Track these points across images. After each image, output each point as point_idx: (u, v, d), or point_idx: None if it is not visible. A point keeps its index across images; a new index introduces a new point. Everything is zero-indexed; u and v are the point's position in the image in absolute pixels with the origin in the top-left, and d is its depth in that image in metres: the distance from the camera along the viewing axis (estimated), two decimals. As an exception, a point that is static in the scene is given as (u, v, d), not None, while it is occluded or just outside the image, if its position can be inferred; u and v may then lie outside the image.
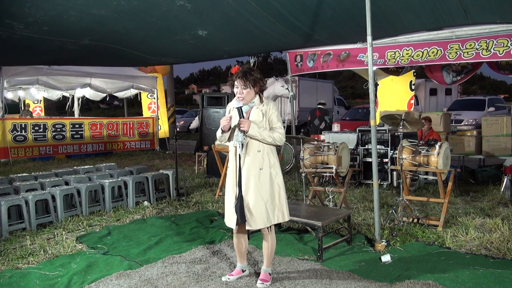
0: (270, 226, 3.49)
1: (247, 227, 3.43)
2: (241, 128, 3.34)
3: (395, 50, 6.43)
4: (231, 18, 5.16)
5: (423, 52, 6.16)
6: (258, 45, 6.69)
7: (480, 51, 5.68)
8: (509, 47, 5.48)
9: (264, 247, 3.59)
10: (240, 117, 3.36)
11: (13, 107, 14.69)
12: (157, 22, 5.21)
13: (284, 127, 3.52)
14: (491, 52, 5.60)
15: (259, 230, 3.59)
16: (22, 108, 14.35)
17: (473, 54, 5.76)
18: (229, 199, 3.51)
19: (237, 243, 3.66)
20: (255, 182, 3.38)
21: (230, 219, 3.49)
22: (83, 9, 4.59)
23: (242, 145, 3.40)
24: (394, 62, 6.41)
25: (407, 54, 6.29)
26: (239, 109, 3.37)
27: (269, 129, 3.42)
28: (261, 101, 3.47)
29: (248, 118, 3.43)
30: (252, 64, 8.38)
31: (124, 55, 6.66)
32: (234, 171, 3.47)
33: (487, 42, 5.64)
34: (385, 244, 4.43)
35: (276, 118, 3.45)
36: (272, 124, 3.44)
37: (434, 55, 6.06)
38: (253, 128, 3.33)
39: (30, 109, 15.37)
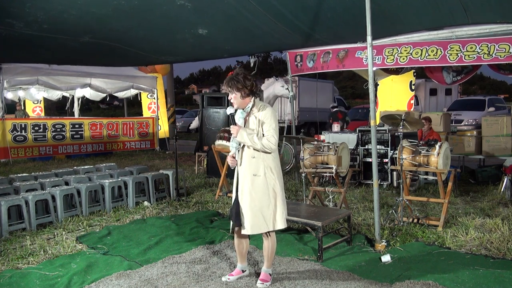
0: (268, 232, 3.50)
1: (242, 232, 3.47)
2: (232, 134, 3.41)
3: (393, 47, 6.42)
4: (231, 17, 5.17)
5: (422, 51, 6.15)
6: (258, 44, 6.69)
7: (482, 55, 5.68)
8: (510, 52, 5.47)
9: (265, 248, 3.60)
10: (232, 123, 3.44)
11: (13, 107, 14.69)
12: (157, 21, 5.22)
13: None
14: (492, 56, 5.61)
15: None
16: (18, 109, 14.30)
17: (474, 57, 5.76)
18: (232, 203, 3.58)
19: (237, 244, 3.68)
20: (248, 188, 3.41)
21: (231, 221, 3.57)
22: (83, 8, 4.61)
23: (238, 151, 3.47)
24: (393, 59, 6.38)
25: (405, 51, 6.28)
26: (231, 116, 3.45)
27: (261, 135, 3.39)
28: (254, 105, 3.46)
29: (244, 124, 3.46)
30: (252, 64, 8.38)
31: (124, 53, 6.67)
32: (235, 176, 3.53)
33: (489, 46, 5.63)
34: (385, 244, 4.43)
35: (268, 125, 3.38)
36: (264, 130, 3.40)
37: (434, 55, 6.05)
38: (241, 134, 3.36)
39: (29, 109, 15.36)
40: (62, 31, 5.32)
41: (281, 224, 3.46)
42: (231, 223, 3.56)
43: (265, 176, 3.41)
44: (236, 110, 3.49)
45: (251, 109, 3.46)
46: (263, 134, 3.39)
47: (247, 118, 3.48)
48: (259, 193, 3.39)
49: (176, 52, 7.16)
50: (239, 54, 7.85)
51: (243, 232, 3.45)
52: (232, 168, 3.56)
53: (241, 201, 3.44)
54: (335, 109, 11.77)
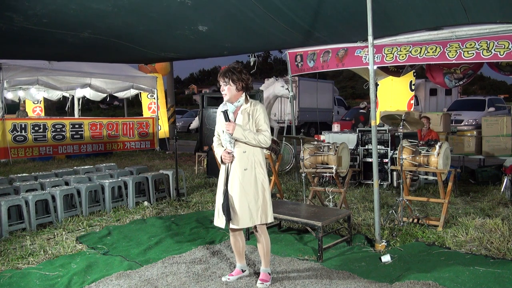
0: (257, 227, 3.51)
1: (231, 225, 3.46)
2: (226, 131, 3.41)
3: (392, 46, 6.42)
4: (232, 14, 5.18)
5: (421, 49, 6.14)
6: (258, 42, 6.69)
7: (481, 51, 5.67)
8: (510, 49, 5.47)
9: (259, 247, 3.61)
10: (226, 120, 3.42)
11: (13, 107, 14.69)
12: (157, 17, 5.24)
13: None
14: (491, 52, 5.60)
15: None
16: (22, 109, 14.31)
17: (473, 54, 5.75)
18: (218, 199, 3.55)
19: (234, 242, 3.68)
20: (239, 182, 3.42)
21: (218, 219, 3.53)
22: (83, 2, 4.62)
23: (232, 146, 3.47)
24: (392, 57, 6.38)
25: (405, 49, 6.27)
26: (225, 113, 3.44)
27: (255, 131, 3.43)
28: (247, 100, 3.48)
29: (236, 118, 3.47)
30: (252, 64, 8.39)
31: (123, 49, 6.67)
32: (224, 171, 3.54)
33: (488, 43, 5.63)
34: (385, 244, 4.43)
35: (263, 120, 3.45)
36: (259, 126, 3.45)
37: (433, 52, 6.04)
38: (238, 131, 3.37)
39: (29, 109, 15.35)
40: (61, 26, 5.33)
41: (271, 217, 3.51)
42: (216, 219, 3.53)
43: (255, 170, 3.44)
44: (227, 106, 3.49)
45: (242, 104, 3.47)
46: (256, 130, 3.44)
47: (237, 112, 3.48)
48: (248, 188, 3.42)
49: (176, 49, 7.15)
50: (239, 51, 7.81)
51: (231, 226, 3.46)
52: (226, 164, 3.50)
53: (231, 195, 3.44)
54: (361, 111, 11.80)
